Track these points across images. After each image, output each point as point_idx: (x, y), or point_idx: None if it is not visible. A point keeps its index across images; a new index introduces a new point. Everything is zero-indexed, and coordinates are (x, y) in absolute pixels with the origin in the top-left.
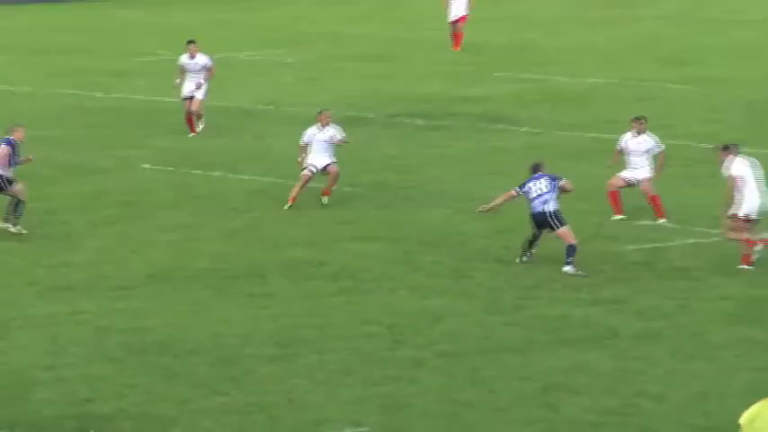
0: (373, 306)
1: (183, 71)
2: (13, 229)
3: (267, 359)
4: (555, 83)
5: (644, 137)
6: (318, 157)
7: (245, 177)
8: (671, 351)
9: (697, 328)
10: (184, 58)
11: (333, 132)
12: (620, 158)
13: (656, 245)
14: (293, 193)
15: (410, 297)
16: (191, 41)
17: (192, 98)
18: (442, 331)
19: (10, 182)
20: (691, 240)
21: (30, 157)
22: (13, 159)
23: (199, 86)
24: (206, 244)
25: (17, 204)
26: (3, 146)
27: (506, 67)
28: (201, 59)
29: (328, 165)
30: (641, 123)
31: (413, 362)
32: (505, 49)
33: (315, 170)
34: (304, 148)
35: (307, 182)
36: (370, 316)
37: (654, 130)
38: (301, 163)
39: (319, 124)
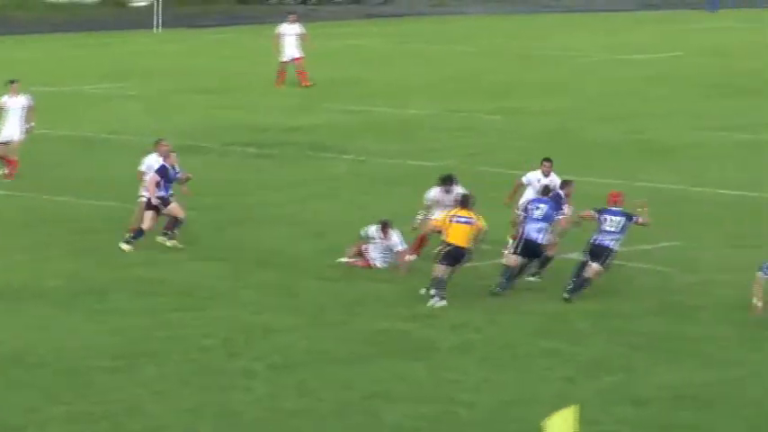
0: (209, 321)
1: (4, 110)
2: (168, 243)
3: (109, 370)
4: (379, 114)
5: (552, 177)
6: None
7: (90, 202)
8: (483, 362)
9: (507, 341)
10: (5, 98)
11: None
12: (518, 194)
13: (470, 264)
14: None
15: (243, 312)
16: (12, 81)
17: (8, 143)
18: (273, 344)
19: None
20: (500, 260)
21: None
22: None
23: (21, 130)
24: (54, 263)
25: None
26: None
27: (334, 100)
28: (22, 100)
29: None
30: (549, 165)
31: (245, 373)
32: (333, 82)
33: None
34: (142, 174)
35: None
36: (206, 330)
37: (470, 158)
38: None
39: (157, 153)
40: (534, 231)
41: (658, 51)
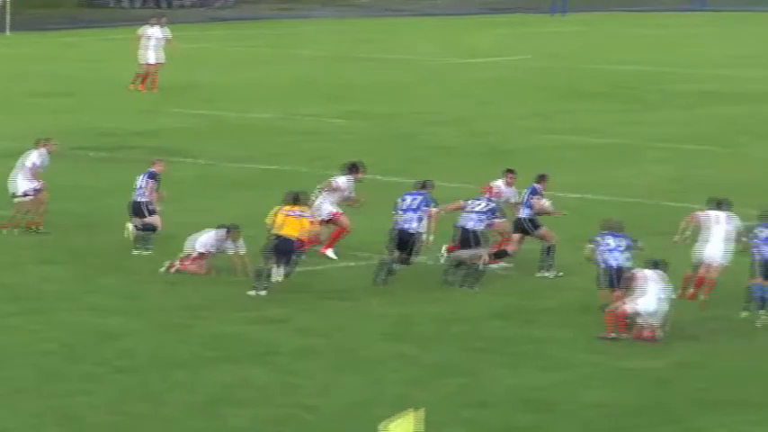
0: (53, 325)
1: None
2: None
3: None
4: (224, 118)
5: (513, 189)
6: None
7: None
8: (327, 366)
9: (351, 344)
10: None
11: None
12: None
13: (315, 267)
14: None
15: (88, 316)
16: None
17: None
18: (117, 348)
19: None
20: (347, 264)
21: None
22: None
23: None
24: None
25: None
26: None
27: (180, 104)
28: None
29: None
30: (513, 177)
31: (89, 377)
32: (179, 86)
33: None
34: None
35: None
36: (49, 335)
37: (315, 162)
38: None
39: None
40: (407, 222)
41: (502, 55)
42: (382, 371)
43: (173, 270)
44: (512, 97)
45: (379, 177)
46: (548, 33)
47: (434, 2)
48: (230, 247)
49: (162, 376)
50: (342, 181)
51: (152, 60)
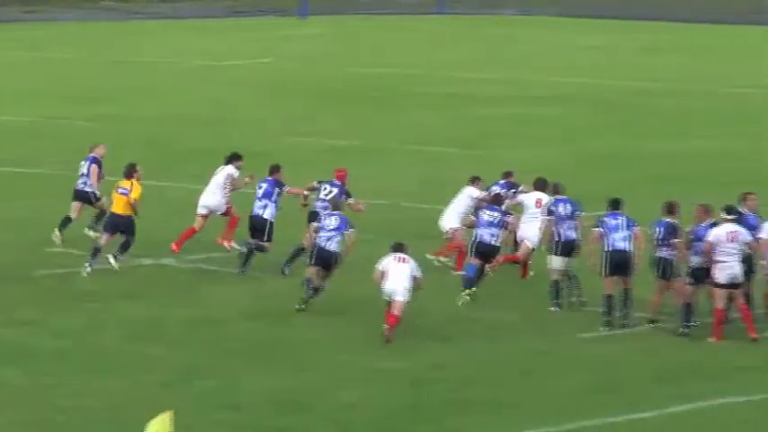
0: None
1: None
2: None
3: None
4: None
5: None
6: None
7: None
8: (81, 368)
9: (104, 346)
10: None
11: None
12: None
13: (67, 270)
14: None
15: None
16: None
17: None
18: None
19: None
20: (98, 266)
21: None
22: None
23: None
24: None
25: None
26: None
27: None
28: None
29: None
30: (480, 182)
31: None
32: None
33: None
34: None
35: None
36: None
37: (67, 165)
38: None
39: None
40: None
41: (248, 58)
42: (134, 373)
43: None
44: (258, 100)
45: None
46: (292, 36)
47: (180, 5)
48: None
49: None
50: (231, 170)
51: None
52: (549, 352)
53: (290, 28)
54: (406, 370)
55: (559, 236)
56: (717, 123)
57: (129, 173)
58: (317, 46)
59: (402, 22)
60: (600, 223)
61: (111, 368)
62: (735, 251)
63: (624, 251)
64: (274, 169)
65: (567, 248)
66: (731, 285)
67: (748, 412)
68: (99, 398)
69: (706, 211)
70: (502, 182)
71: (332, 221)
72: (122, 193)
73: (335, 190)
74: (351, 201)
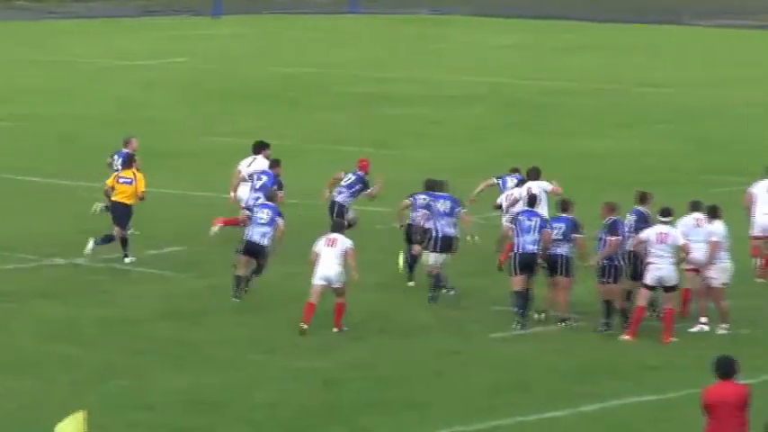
0: None
1: None
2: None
3: None
4: None
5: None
6: None
7: None
8: None
9: (16, 346)
10: None
11: None
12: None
13: None
14: None
15: None
16: None
17: None
18: None
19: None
20: (11, 266)
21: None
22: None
23: None
24: None
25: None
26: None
27: None
28: None
29: None
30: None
31: None
32: None
33: None
34: None
35: None
36: None
37: None
38: None
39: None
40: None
41: (162, 57)
42: (49, 373)
43: None
44: (172, 100)
45: (38, 180)
46: (206, 36)
47: (93, 5)
48: None
49: None
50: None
51: None
52: (461, 352)
53: (204, 27)
54: (320, 369)
55: (437, 231)
56: (629, 123)
57: (129, 162)
58: (232, 46)
59: (317, 21)
60: (515, 222)
61: (25, 368)
62: (664, 253)
63: (533, 254)
64: (274, 164)
65: (444, 245)
66: (661, 287)
67: (660, 411)
68: (12, 398)
69: (611, 209)
70: (514, 175)
71: (263, 214)
72: (124, 183)
73: (353, 178)
74: (369, 191)
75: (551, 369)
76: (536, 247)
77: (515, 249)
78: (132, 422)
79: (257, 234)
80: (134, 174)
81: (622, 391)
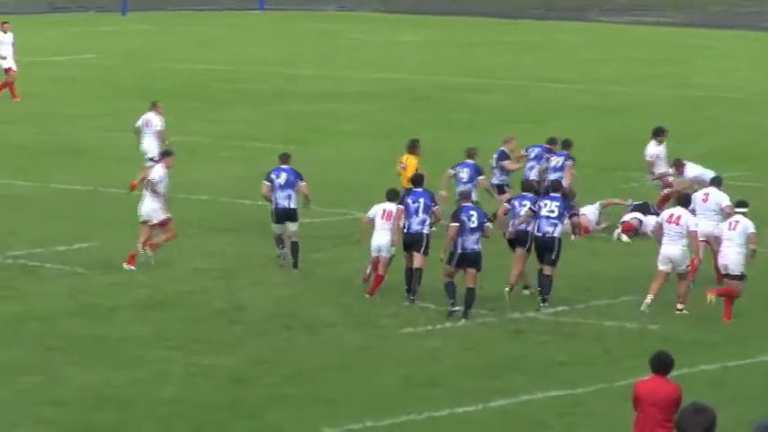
0: None
1: None
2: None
3: None
4: None
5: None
6: None
7: None
8: None
9: None
10: None
11: None
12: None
13: None
14: None
15: None
16: None
17: None
18: None
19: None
20: None
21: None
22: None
23: None
24: None
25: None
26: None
27: None
28: None
29: None
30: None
31: None
32: None
33: None
34: None
35: None
36: None
37: None
38: None
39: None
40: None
41: (69, 53)
42: None
43: None
44: (80, 96)
45: None
46: (114, 32)
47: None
48: None
49: None
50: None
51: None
52: (369, 347)
53: (111, 24)
54: (227, 366)
55: (277, 205)
56: (537, 119)
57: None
58: (141, 42)
59: (224, 18)
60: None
61: None
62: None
63: (419, 233)
64: (285, 158)
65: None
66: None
67: (570, 406)
68: None
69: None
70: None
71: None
72: None
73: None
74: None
75: (462, 364)
76: (423, 227)
77: (404, 229)
78: (42, 419)
79: (282, 199)
80: None
81: (531, 386)
